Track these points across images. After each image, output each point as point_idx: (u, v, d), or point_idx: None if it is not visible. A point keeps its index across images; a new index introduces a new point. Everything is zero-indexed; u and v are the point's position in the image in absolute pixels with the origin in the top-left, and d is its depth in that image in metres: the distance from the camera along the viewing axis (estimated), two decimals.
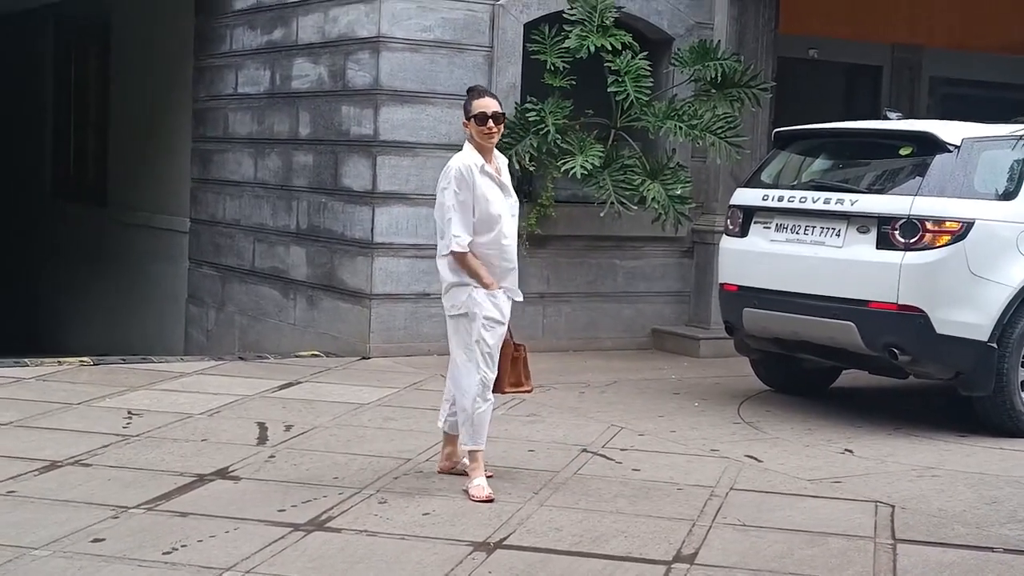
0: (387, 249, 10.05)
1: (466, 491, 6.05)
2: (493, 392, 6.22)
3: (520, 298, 6.26)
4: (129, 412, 7.67)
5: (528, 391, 6.58)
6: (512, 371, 6.42)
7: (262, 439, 7.12)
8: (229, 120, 12.04)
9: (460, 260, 6.08)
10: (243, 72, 11.83)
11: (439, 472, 6.44)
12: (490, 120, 6.14)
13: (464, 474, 6.23)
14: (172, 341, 13.06)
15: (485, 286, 6.07)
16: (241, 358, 10.12)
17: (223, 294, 12.17)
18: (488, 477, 6.25)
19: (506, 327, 6.23)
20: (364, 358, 9.97)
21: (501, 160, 6.33)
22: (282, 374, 9.18)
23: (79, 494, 5.88)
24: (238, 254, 11.89)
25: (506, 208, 6.19)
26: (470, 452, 6.18)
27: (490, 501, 5.95)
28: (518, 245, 6.32)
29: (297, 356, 10.17)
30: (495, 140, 6.20)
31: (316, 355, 10.18)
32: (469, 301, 6.09)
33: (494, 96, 6.29)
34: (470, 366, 6.11)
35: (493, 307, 6.12)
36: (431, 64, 10.09)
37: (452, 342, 6.20)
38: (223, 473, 6.34)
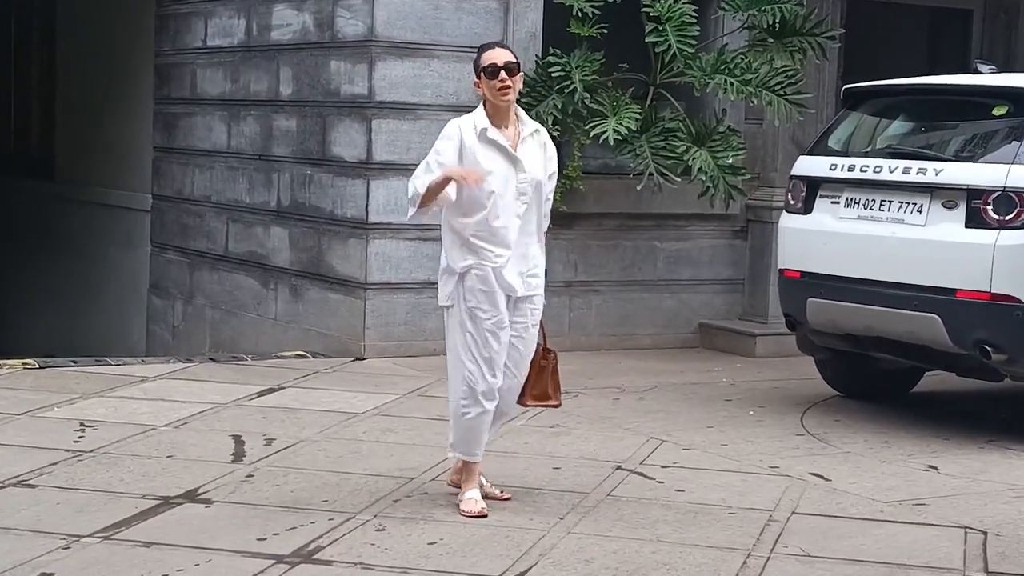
0: (384, 230, 10.07)
1: (457, 506, 6.17)
2: (517, 403, 6.38)
3: (518, 293, 6.25)
4: (81, 424, 7.71)
5: (556, 405, 6.57)
6: (537, 381, 6.42)
7: (238, 455, 7.15)
8: (197, 78, 12.07)
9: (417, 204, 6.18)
10: (214, 21, 11.84)
11: (448, 485, 6.48)
12: (502, 71, 6.14)
13: (489, 497, 6.34)
14: (132, 339, 13.11)
15: (457, 180, 6.05)
16: (213, 359, 10.15)
17: (191, 284, 12.21)
18: (505, 499, 6.31)
19: (506, 326, 6.24)
20: (358, 359, 10.00)
21: (529, 127, 6.30)
22: (261, 378, 9.21)
23: (23, 520, 5.90)
24: (209, 236, 11.92)
25: (509, 186, 6.17)
26: (462, 462, 6.30)
27: (482, 516, 6.06)
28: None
29: (279, 357, 10.20)
30: (510, 96, 6.20)
31: (301, 356, 10.21)
32: (456, 292, 6.21)
33: (506, 47, 6.35)
34: (456, 363, 6.25)
35: (484, 299, 6.17)
36: (435, 10, 10.09)
37: (446, 337, 6.35)
38: (192, 495, 6.37)
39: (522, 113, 6.36)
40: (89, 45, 14.24)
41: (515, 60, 6.24)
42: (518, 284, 6.23)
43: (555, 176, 6.46)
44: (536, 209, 6.33)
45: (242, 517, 6.05)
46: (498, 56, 6.20)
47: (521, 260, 6.25)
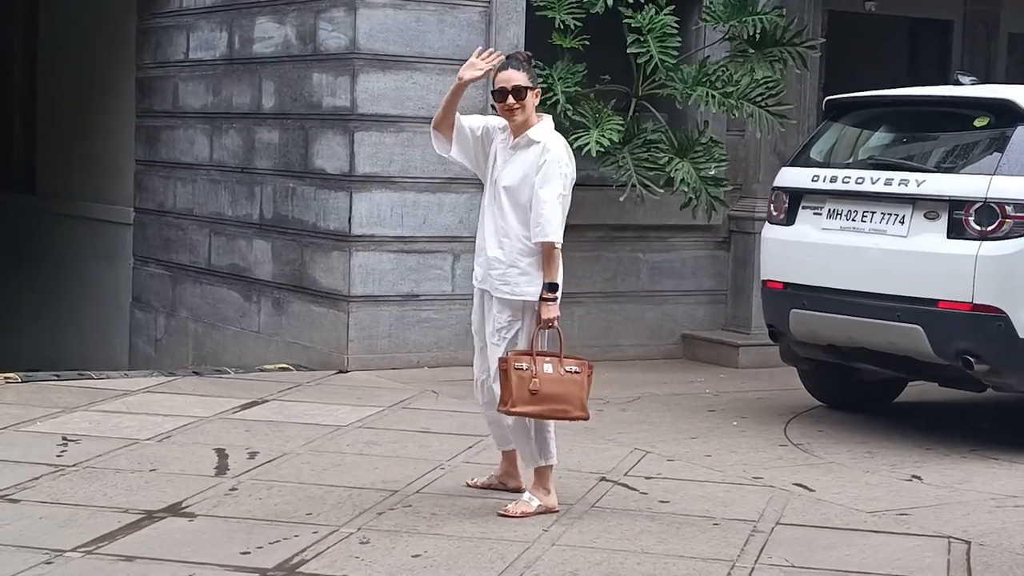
0: (368, 242, 10.06)
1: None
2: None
3: (483, 286, 6.52)
4: (64, 438, 7.68)
5: (507, 411, 6.43)
6: (503, 386, 6.40)
7: (221, 469, 7.13)
8: (179, 91, 12.05)
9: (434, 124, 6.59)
10: (196, 34, 11.84)
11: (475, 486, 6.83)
12: (509, 96, 6.37)
13: (510, 490, 6.69)
14: (114, 353, 13.07)
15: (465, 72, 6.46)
16: (196, 373, 10.12)
17: (174, 297, 12.18)
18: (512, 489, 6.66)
19: (483, 324, 6.55)
20: (341, 372, 9.98)
21: (532, 135, 6.41)
22: (245, 391, 9.19)
23: (5, 535, 5.88)
24: (191, 249, 11.90)
25: (496, 188, 6.45)
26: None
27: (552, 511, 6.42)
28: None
29: (262, 370, 10.18)
30: (517, 118, 6.40)
31: (285, 369, 10.19)
32: None
33: (522, 68, 6.44)
34: None
35: (474, 293, 6.63)
36: (418, 23, 10.09)
37: None
38: (175, 509, 6.35)
39: (540, 125, 6.46)
40: (71, 58, 14.22)
41: (524, 84, 6.38)
42: (485, 280, 6.46)
43: (544, 185, 6.34)
44: (511, 213, 6.39)
45: (225, 531, 6.03)
46: (507, 79, 6.40)
47: (490, 260, 6.44)
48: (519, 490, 6.66)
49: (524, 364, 6.31)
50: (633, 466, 7.41)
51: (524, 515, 6.33)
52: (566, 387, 6.38)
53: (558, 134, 6.54)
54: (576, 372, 6.43)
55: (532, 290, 6.37)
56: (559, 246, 6.35)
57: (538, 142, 6.40)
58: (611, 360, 10.69)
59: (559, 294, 6.40)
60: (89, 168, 13.79)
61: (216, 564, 5.57)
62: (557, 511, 6.42)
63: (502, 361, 6.36)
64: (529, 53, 6.78)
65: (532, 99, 6.43)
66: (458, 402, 8.75)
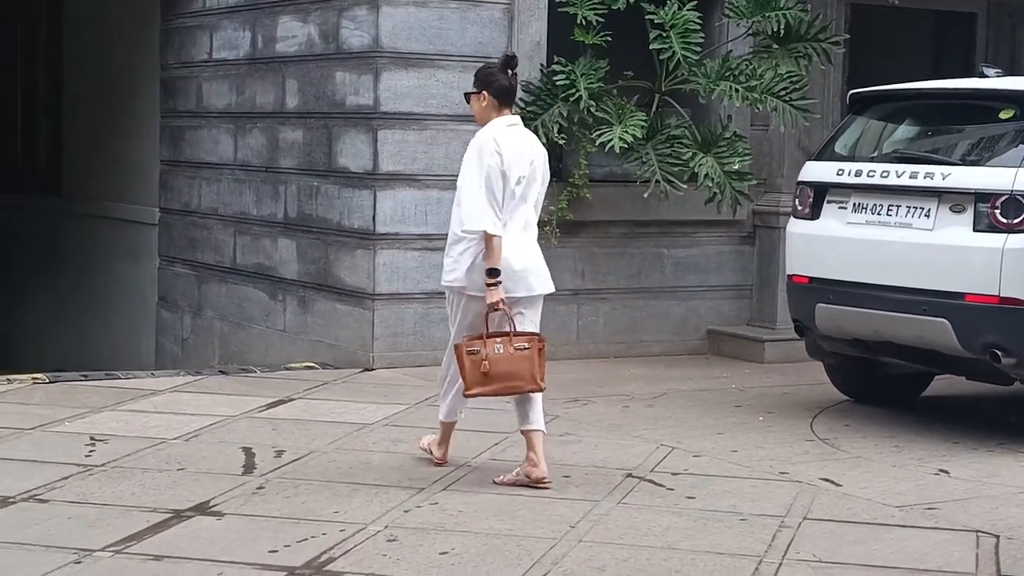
0: (392, 240, 10.07)
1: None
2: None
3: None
4: (92, 438, 7.71)
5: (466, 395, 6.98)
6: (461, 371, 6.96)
7: (249, 467, 7.15)
8: (203, 91, 12.08)
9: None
10: (219, 34, 11.86)
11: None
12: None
13: (534, 482, 6.83)
14: (141, 353, 13.11)
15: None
16: (222, 372, 10.15)
17: (200, 296, 12.22)
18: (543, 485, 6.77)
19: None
20: (367, 370, 10.00)
21: None
22: (271, 390, 9.21)
23: (35, 535, 5.91)
24: (216, 249, 11.93)
25: None
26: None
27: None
28: (546, 233, 6.91)
29: (288, 368, 10.20)
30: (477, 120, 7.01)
31: (310, 367, 10.21)
32: None
33: (475, 76, 7.03)
34: None
35: None
36: (440, 21, 10.09)
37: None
38: (203, 508, 6.37)
39: (487, 126, 6.88)
40: (95, 60, 14.25)
41: (468, 90, 7.05)
42: None
43: (461, 175, 6.78)
44: (455, 207, 6.86)
45: (253, 529, 6.05)
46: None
47: None
48: (542, 481, 6.73)
49: (476, 347, 6.68)
50: (659, 462, 7.40)
51: (423, 448, 7.21)
52: (516, 364, 6.69)
53: (495, 129, 6.75)
54: (526, 348, 6.71)
55: (453, 276, 6.82)
56: (491, 232, 6.57)
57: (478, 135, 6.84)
58: (636, 356, 10.70)
59: (499, 279, 6.62)
60: (114, 169, 13.83)
61: (244, 563, 5.59)
62: (439, 465, 7.10)
63: (456, 347, 6.77)
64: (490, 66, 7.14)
65: (476, 102, 6.92)
66: (483, 399, 8.73)
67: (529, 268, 6.82)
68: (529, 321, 6.86)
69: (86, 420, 8.17)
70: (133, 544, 5.80)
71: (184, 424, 8.08)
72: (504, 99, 6.86)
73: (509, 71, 6.89)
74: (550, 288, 6.96)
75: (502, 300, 6.63)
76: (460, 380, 6.85)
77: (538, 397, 6.85)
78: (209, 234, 12.02)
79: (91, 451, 7.40)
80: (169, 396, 8.97)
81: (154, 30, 12.79)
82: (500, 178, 6.65)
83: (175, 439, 7.71)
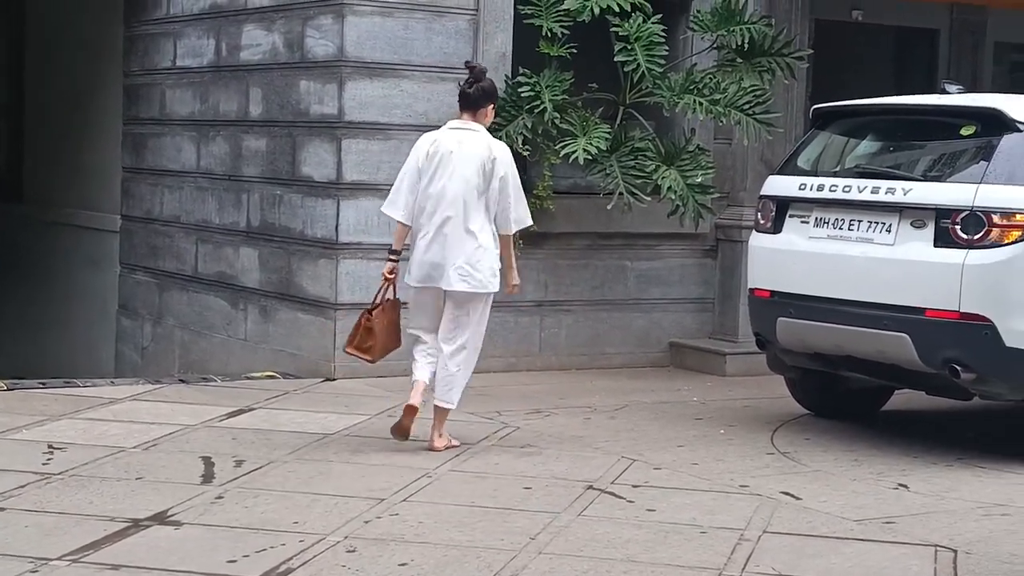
0: (355, 250, 10.06)
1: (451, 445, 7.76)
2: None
3: None
4: (50, 446, 7.66)
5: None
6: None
7: (208, 477, 7.12)
8: (167, 98, 12.04)
9: (511, 240, 7.85)
10: (183, 41, 11.82)
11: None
12: None
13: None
14: (100, 360, 13.04)
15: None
16: (182, 380, 10.11)
17: (160, 304, 12.16)
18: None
19: None
20: (328, 379, 9.97)
21: None
22: (231, 399, 9.18)
23: None
24: (178, 257, 11.89)
25: None
26: (445, 412, 7.78)
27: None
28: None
29: (249, 378, 10.17)
30: None
31: (271, 376, 10.18)
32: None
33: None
34: (482, 336, 7.86)
35: None
36: (405, 31, 10.09)
37: (483, 316, 7.75)
38: (162, 517, 6.34)
39: None
40: (58, 66, 14.19)
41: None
42: None
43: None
44: None
45: (212, 539, 6.02)
46: None
47: None
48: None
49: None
50: (620, 474, 7.41)
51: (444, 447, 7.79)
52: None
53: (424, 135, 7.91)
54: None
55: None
56: (394, 218, 7.82)
57: None
58: (599, 368, 10.71)
59: (395, 258, 7.87)
60: (76, 175, 13.77)
61: (202, 572, 5.56)
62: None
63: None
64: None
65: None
66: None
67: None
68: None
69: (44, 428, 8.12)
70: (90, 553, 5.77)
71: (143, 433, 8.04)
72: (459, 103, 7.87)
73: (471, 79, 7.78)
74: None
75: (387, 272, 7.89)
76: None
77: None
78: (171, 242, 11.98)
79: (49, 459, 7.35)
80: (128, 404, 8.93)
81: (117, 37, 12.74)
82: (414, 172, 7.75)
83: (134, 448, 7.68)
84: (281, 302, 10.61)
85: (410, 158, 7.74)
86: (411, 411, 7.66)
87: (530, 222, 7.91)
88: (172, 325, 11.98)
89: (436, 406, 7.75)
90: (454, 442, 7.82)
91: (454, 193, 7.57)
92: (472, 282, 7.60)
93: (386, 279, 7.85)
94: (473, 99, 7.70)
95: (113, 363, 12.83)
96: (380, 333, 7.86)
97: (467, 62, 8.27)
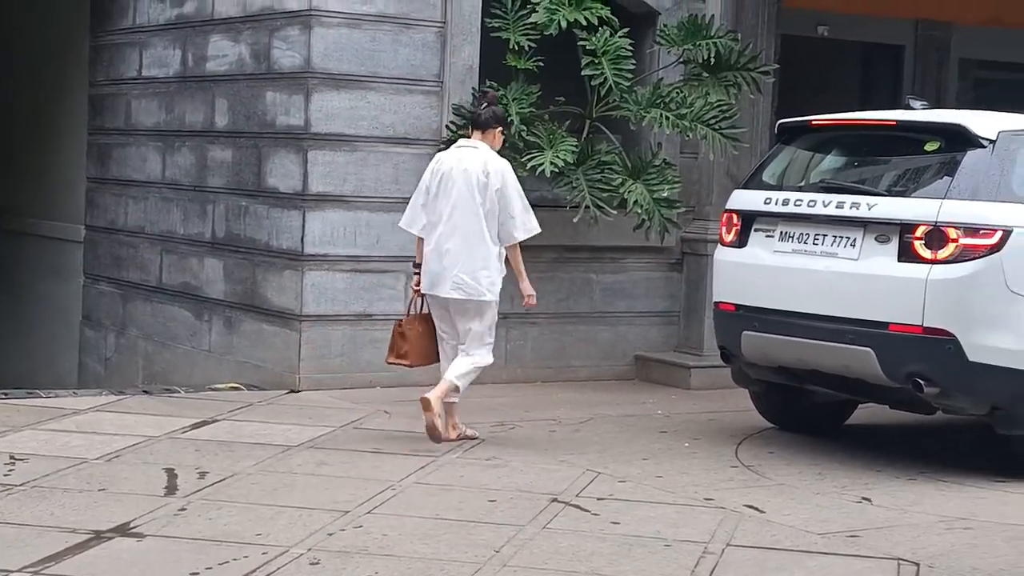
0: (320, 261, 10.04)
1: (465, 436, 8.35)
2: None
3: None
4: (12, 457, 7.61)
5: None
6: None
7: (171, 489, 7.09)
8: (132, 108, 12.00)
9: (519, 250, 8.31)
10: (149, 51, 11.79)
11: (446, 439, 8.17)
12: None
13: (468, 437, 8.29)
14: (63, 371, 12.98)
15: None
16: (146, 392, 10.07)
17: (124, 315, 12.12)
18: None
19: None
20: (293, 391, 9.95)
21: None
22: (195, 411, 9.14)
23: None
24: (142, 267, 11.85)
25: None
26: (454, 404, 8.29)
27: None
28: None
29: (213, 389, 10.13)
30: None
31: (236, 388, 10.15)
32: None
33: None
34: (491, 341, 8.34)
35: None
36: (373, 42, 10.09)
37: (484, 322, 8.25)
38: (124, 529, 6.31)
39: None
40: (22, 75, 14.13)
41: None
42: None
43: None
44: None
45: (174, 551, 6.00)
46: None
47: None
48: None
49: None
50: (585, 487, 7.41)
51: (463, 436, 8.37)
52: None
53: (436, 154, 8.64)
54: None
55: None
56: (412, 232, 8.46)
57: None
58: (564, 381, 10.72)
59: (418, 271, 8.41)
60: (40, 185, 13.71)
61: None
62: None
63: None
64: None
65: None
66: (410, 422, 8.73)
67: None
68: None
69: (6, 439, 8.07)
70: (51, 565, 5.73)
71: (106, 444, 8.00)
72: (471, 124, 8.54)
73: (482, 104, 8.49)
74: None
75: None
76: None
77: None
78: (135, 252, 11.93)
79: (10, 470, 7.31)
80: (91, 415, 8.89)
81: (83, 46, 12.70)
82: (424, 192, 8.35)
83: (97, 459, 7.64)
84: (246, 313, 10.59)
85: (423, 176, 8.38)
86: (424, 404, 8.05)
87: (538, 229, 8.30)
88: (136, 336, 11.93)
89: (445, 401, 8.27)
90: (468, 432, 8.39)
91: (453, 207, 8.15)
92: (468, 290, 8.14)
93: (415, 292, 8.44)
94: (482, 121, 8.34)
95: (76, 374, 12.77)
96: (414, 340, 8.40)
97: (482, 89, 9.12)
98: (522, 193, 8.27)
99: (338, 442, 8.32)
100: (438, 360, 8.48)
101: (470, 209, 8.14)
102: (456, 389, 8.16)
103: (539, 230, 8.34)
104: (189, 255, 11.26)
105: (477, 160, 8.19)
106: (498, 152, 9.80)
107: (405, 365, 8.51)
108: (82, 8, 12.67)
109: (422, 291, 8.36)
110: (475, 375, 8.30)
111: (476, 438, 8.38)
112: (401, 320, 8.55)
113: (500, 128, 8.44)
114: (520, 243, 8.29)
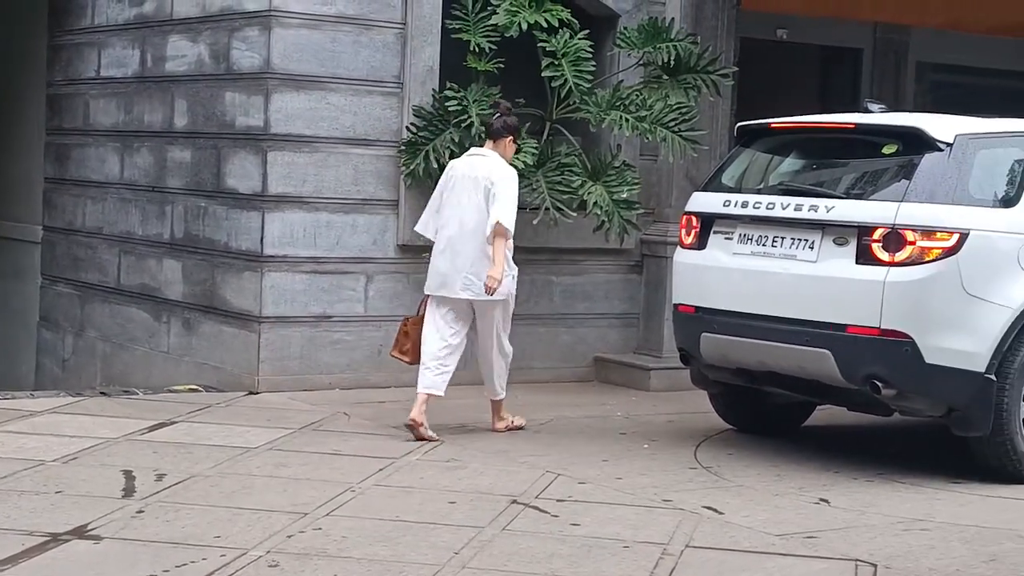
0: (280, 263, 10.02)
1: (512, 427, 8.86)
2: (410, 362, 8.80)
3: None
4: None
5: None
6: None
7: (128, 491, 7.05)
8: (90, 108, 11.94)
9: (505, 239, 8.43)
10: (107, 51, 11.74)
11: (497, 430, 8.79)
12: None
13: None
14: (20, 373, 12.91)
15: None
16: (104, 393, 10.02)
17: (82, 316, 12.05)
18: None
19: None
20: (252, 393, 9.92)
21: None
22: (153, 413, 9.11)
23: None
24: (100, 269, 11.79)
25: None
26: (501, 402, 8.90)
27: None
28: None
29: (171, 391, 10.09)
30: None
31: (194, 390, 10.11)
32: (510, 284, 8.64)
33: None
34: (507, 334, 8.81)
35: None
36: (333, 43, 10.08)
37: (499, 319, 8.70)
38: (81, 532, 6.27)
39: None
40: None
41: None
42: None
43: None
44: None
45: (132, 553, 5.97)
46: None
47: None
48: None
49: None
50: (544, 489, 7.42)
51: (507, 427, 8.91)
52: None
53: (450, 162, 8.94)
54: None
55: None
56: (427, 236, 8.82)
57: None
58: (524, 382, 10.70)
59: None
60: None
61: None
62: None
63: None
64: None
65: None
66: (370, 424, 8.72)
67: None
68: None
69: None
70: (8, 568, 5.69)
71: (63, 446, 7.96)
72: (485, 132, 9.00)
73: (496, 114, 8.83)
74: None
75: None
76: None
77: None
78: (93, 253, 11.88)
79: None
80: (48, 417, 8.83)
81: (41, 46, 12.63)
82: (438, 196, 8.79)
83: (54, 461, 7.59)
84: (205, 315, 10.55)
85: (439, 182, 8.81)
86: (411, 428, 8.47)
87: (509, 226, 8.43)
88: (94, 337, 11.87)
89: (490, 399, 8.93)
90: (516, 422, 8.94)
91: (461, 211, 8.54)
92: (476, 290, 8.47)
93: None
94: (495, 130, 8.70)
95: (33, 375, 12.70)
96: (416, 340, 8.73)
97: (495, 102, 9.31)
98: (515, 200, 8.51)
99: (297, 444, 8.30)
100: None
101: (476, 213, 8.48)
102: (499, 393, 8.88)
103: (510, 227, 8.44)
104: (148, 256, 11.21)
105: (484, 167, 8.56)
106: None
107: (406, 361, 8.84)
108: (40, 7, 12.59)
109: (428, 292, 8.67)
110: (505, 360, 8.89)
111: (523, 427, 8.94)
112: (408, 318, 8.89)
113: (511, 138, 8.75)
114: (510, 240, 8.53)
